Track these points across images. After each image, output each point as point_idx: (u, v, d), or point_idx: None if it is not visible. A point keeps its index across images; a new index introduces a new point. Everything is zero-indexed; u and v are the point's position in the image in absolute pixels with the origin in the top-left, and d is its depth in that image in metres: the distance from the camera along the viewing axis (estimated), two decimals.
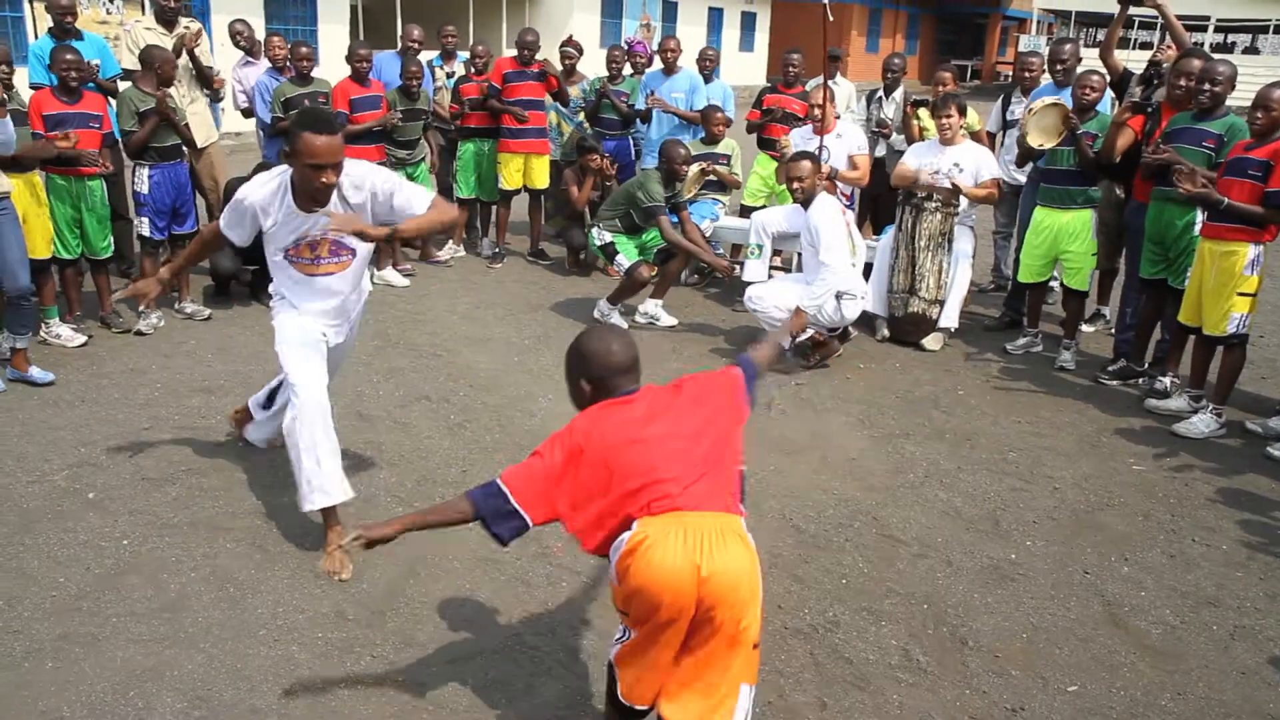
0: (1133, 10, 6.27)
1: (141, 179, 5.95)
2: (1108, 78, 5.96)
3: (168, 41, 6.57)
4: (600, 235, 6.41)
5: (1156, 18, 6.40)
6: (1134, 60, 6.34)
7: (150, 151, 5.89)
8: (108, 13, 14.05)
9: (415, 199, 3.50)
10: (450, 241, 8.14)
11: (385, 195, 3.47)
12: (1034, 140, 5.77)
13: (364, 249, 3.67)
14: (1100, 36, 34.27)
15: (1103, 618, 3.43)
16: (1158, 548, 3.92)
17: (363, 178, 3.44)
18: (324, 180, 3.28)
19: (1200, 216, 5.14)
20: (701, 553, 2.23)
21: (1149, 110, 5.66)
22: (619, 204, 6.41)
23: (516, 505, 2.48)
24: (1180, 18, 6.09)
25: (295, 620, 3.24)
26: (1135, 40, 29.11)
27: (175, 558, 3.58)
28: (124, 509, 3.90)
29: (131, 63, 6.52)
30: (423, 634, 3.19)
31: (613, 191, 7.14)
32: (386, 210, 3.48)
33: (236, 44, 7.61)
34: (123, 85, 6.27)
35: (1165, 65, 6.12)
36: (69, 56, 5.52)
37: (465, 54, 8.18)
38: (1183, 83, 5.35)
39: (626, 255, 6.34)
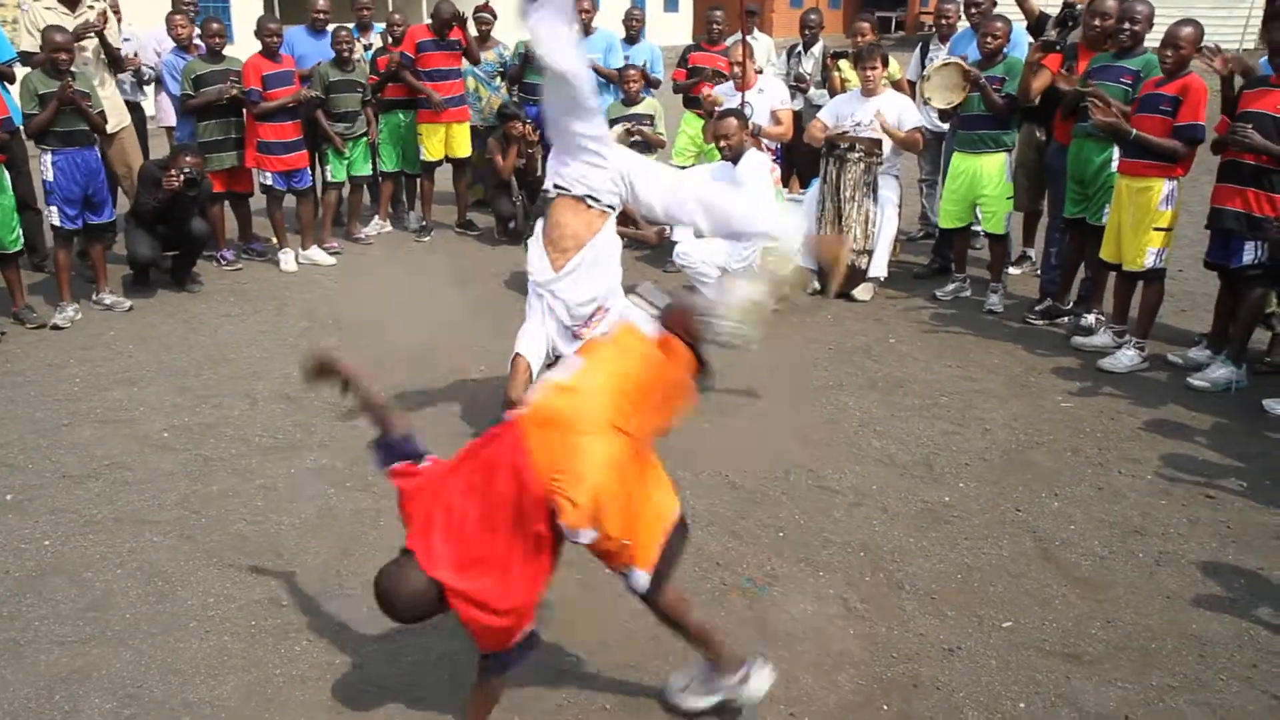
0: None
1: (46, 165, 5.73)
2: (1012, 24, 6.00)
3: (69, 22, 6.30)
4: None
5: None
6: (1051, 4, 6.36)
7: (51, 136, 5.66)
8: None
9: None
10: (376, 218, 7.98)
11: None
12: (939, 102, 5.85)
13: None
14: None
15: (1034, 553, 3.50)
16: (1086, 481, 4.00)
17: None
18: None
19: (1117, 153, 5.22)
20: None
21: (1057, 49, 5.72)
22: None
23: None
24: None
25: (227, 610, 3.18)
26: None
27: (100, 555, 3.48)
28: (44, 508, 3.78)
29: (31, 44, 6.24)
30: (359, 615, 3.14)
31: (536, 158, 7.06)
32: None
33: (170, 32, 7.31)
34: (21, 70, 6.00)
35: (1079, 7, 6.18)
36: None
37: (381, 25, 7.98)
38: (1097, 23, 5.41)
39: None
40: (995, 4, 6.47)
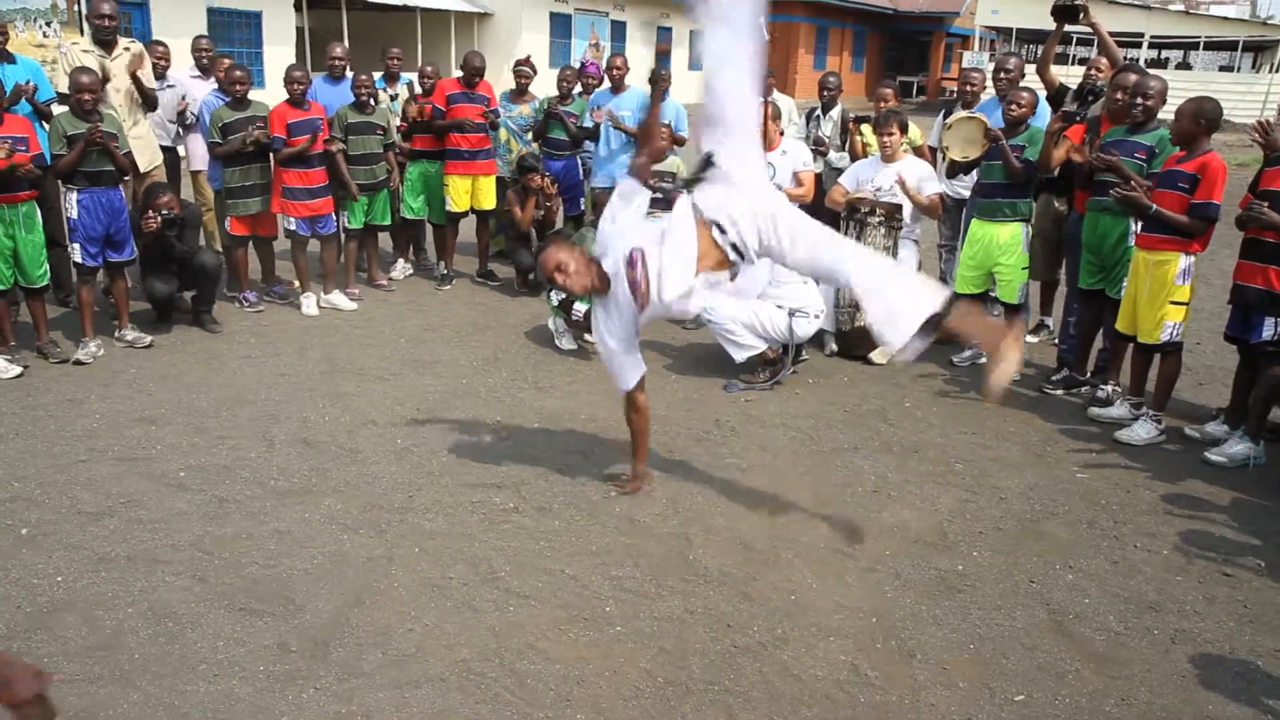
0: (1070, 27, 6.41)
1: (71, 204, 5.84)
2: (1038, 94, 6.09)
3: (106, 63, 6.46)
4: (555, 295, 6.34)
5: (1091, 36, 6.59)
6: (1072, 76, 6.50)
7: (79, 176, 5.77)
8: (44, 35, 13.84)
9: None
10: (401, 261, 8.09)
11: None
12: (956, 153, 5.92)
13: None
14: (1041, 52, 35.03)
15: (1048, 626, 3.46)
16: (1101, 555, 3.97)
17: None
18: None
19: (1135, 227, 5.26)
20: None
21: (1077, 120, 5.80)
22: None
23: None
24: (1115, 34, 6.28)
25: (236, 654, 3.17)
26: (1074, 56, 29.77)
27: (112, 593, 3.49)
28: (59, 544, 3.80)
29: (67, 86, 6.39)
30: (367, 663, 3.14)
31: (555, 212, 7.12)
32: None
33: (199, 61, 7.48)
34: (60, 109, 6.14)
35: (1100, 81, 6.27)
36: None
37: (408, 76, 8.14)
38: (1120, 96, 5.48)
39: (582, 303, 6.28)
40: (1024, 75, 6.56)
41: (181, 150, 7.67)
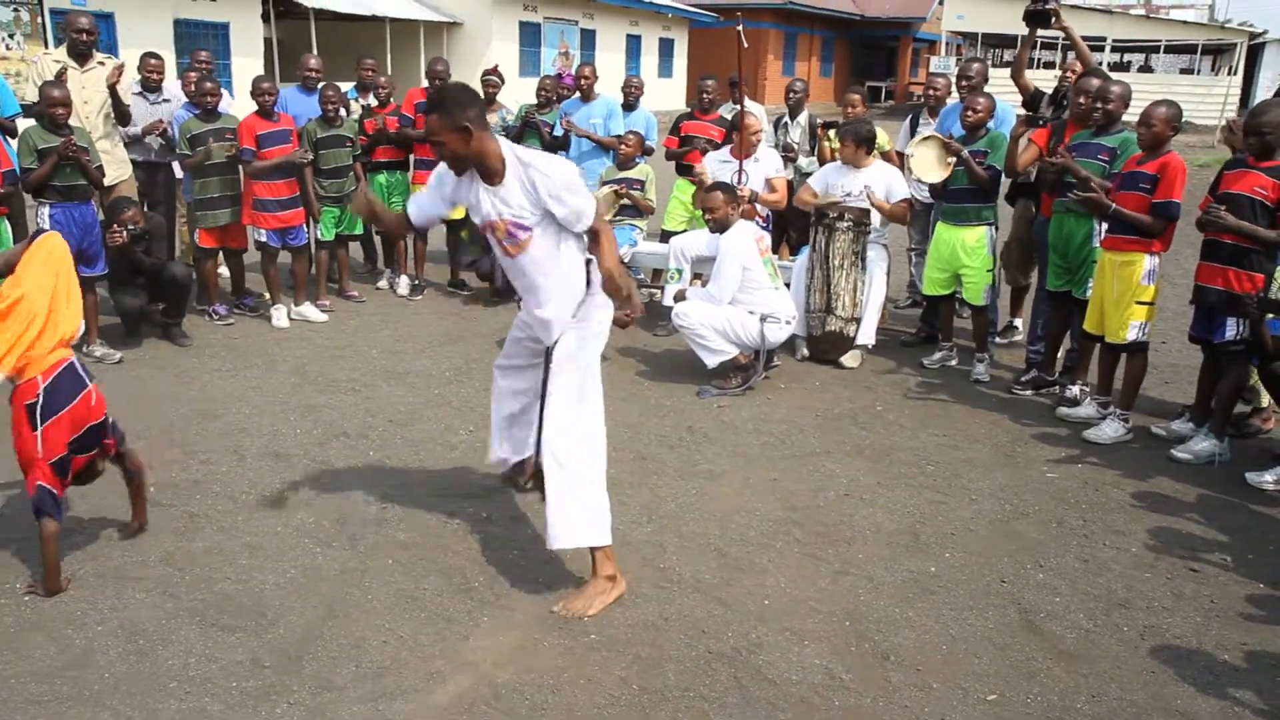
0: (1040, 31, 6.48)
1: (43, 218, 5.78)
2: (995, 100, 6.16)
3: (79, 76, 6.40)
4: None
5: (1058, 38, 6.67)
6: (1040, 79, 6.58)
7: (51, 190, 5.72)
8: (6, 48, 13.68)
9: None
10: (404, 275, 7.99)
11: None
12: (928, 178, 6.02)
13: (547, 230, 3.45)
14: (1007, 57, 35.41)
15: (1019, 625, 3.50)
16: (1071, 553, 4.02)
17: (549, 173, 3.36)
18: (441, 153, 3.36)
19: (1099, 229, 5.34)
20: None
21: (1041, 123, 5.88)
22: None
23: None
24: (1081, 39, 6.34)
25: (208, 670, 3.14)
26: (1039, 60, 30.12)
27: (80, 611, 3.45)
28: (26, 562, 3.75)
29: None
30: (341, 676, 3.12)
31: None
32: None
33: (148, 80, 7.40)
34: (25, 123, 6.07)
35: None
36: None
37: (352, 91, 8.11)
38: (1083, 100, 5.56)
39: None
40: (987, 80, 6.63)
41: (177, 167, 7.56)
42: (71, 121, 5.91)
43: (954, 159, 5.84)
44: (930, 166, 5.99)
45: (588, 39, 25.88)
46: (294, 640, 3.30)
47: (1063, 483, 4.69)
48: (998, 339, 6.65)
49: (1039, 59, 29.60)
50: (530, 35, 23.63)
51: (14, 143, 6.00)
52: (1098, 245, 5.34)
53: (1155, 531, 4.21)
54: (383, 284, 8.05)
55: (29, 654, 3.20)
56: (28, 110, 6.34)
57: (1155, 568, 3.91)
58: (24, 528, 4.00)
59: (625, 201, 7.28)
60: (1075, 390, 5.60)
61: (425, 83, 8.04)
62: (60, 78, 6.28)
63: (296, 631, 3.35)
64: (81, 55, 6.55)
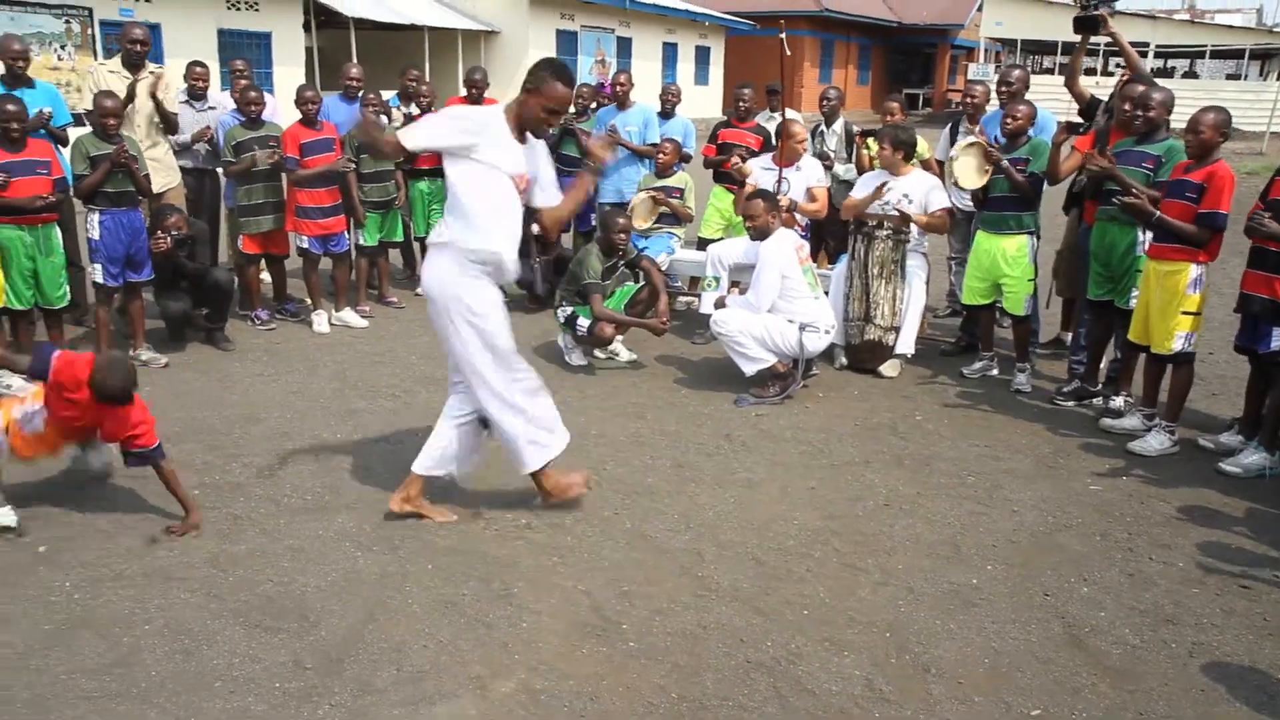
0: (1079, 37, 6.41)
1: (93, 224, 5.91)
2: (1036, 108, 6.10)
3: (132, 84, 6.53)
4: (561, 312, 6.39)
5: (1101, 44, 6.58)
6: (1096, 86, 6.49)
7: (101, 196, 5.84)
8: (59, 59, 13.96)
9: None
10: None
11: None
12: (968, 184, 5.94)
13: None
14: (1046, 63, 35.02)
15: (1063, 639, 3.45)
16: (1116, 567, 3.96)
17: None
18: (551, 122, 3.97)
19: (1143, 237, 5.27)
20: None
21: (1082, 130, 5.81)
22: (569, 282, 6.43)
23: None
24: (1130, 44, 6.25)
25: (251, 671, 3.18)
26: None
27: (128, 610, 3.50)
28: (75, 561, 3.82)
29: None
30: (381, 680, 3.14)
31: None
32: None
33: (194, 88, 7.50)
34: (77, 131, 6.20)
35: None
36: (10, 107, 5.49)
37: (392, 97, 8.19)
38: (1127, 106, 5.49)
39: (585, 316, 6.29)
40: (1028, 86, 6.54)
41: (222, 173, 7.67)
42: (123, 131, 6.03)
43: (992, 165, 5.78)
44: (970, 173, 5.94)
45: (624, 47, 25.95)
46: (335, 642, 3.33)
47: (1107, 495, 4.62)
48: (1040, 350, 6.57)
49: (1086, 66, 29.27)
50: (567, 43, 23.74)
51: (66, 151, 6.14)
52: (1141, 254, 5.27)
53: (1203, 546, 4.13)
54: (421, 290, 8.09)
55: (79, 650, 3.26)
56: (79, 119, 6.47)
57: (1204, 584, 3.84)
58: (71, 526, 4.08)
59: (663, 209, 7.29)
60: (1119, 401, 5.52)
61: (464, 91, 8.10)
62: (131, 92, 6.45)
63: (338, 634, 3.38)
64: (135, 65, 6.69)
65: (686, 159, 7.77)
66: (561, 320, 6.39)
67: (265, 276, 7.48)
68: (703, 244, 7.42)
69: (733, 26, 29.67)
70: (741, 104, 7.82)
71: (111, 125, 5.85)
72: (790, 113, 8.46)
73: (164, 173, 6.80)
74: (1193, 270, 4.90)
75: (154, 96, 6.61)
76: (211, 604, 3.55)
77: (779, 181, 6.50)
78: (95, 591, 3.61)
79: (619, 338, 6.49)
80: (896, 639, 3.43)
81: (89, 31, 14.43)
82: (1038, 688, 3.18)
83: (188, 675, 3.15)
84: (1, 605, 3.52)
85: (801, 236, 6.50)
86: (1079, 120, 6.16)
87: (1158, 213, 4.89)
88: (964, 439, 5.28)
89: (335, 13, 18.08)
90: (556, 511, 4.27)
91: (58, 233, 5.80)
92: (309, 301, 7.30)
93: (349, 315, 7.26)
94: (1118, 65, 26.75)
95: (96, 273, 5.97)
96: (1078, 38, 6.34)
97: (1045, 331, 6.77)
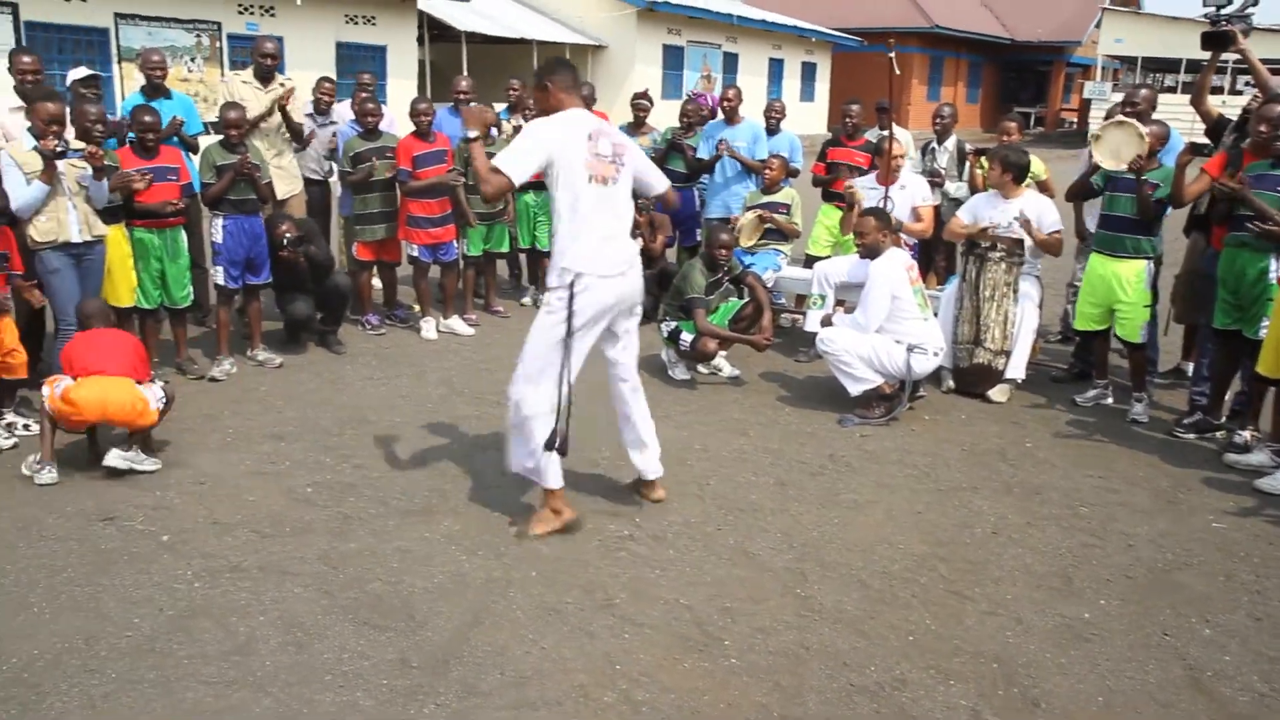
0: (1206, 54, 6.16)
1: (216, 229, 6.17)
2: (1169, 129, 5.87)
3: (262, 96, 6.81)
4: (665, 326, 6.42)
5: (1226, 62, 6.33)
6: (1225, 105, 6.23)
7: (225, 203, 6.10)
8: (189, 71, 14.65)
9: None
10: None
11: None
12: (1101, 156, 5.68)
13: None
14: (1168, 81, 33.73)
15: (1184, 682, 3.31)
16: (1242, 610, 3.78)
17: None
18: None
19: (1275, 265, 5.03)
20: None
21: (1207, 152, 5.57)
22: (673, 296, 6.45)
23: None
24: (1261, 62, 5.99)
25: (360, 666, 3.26)
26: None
27: (244, 601, 3.63)
28: (196, 552, 3.98)
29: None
30: (486, 683, 3.19)
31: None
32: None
33: (319, 102, 7.73)
34: (208, 140, 6.49)
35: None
36: (147, 118, 5.79)
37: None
38: (1264, 129, 5.25)
39: (688, 331, 6.30)
40: (1155, 106, 6.31)
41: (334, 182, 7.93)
42: (249, 140, 6.29)
43: (1135, 168, 5.51)
44: (1113, 155, 5.65)
45: (730, 62, 26.00)
46: (441, 644, 3.40)
47: (1232, 534, 4.42)
48: (1158, 379, 6.32)
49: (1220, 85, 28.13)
50: (673, 58, 23.89)
51: (195, 159, 6.43)
52: (1273, 282, 5.03)
53: None
54: (526, 300, 8.23)
55: (199, 637, 3.39)
56: (215, 126, 6.77)
57: None
58: (194, 519, 4.26)
59: (769, 226, 7.26)
60: (1245, 436, 5.27)
61: None
62: (283, 103, 6.78)
63: (444, 635, 3.44)
64: (265, 78, 6.98)
65: (794, 174, 7.73)
66: (665, 335, 6.41)
67: (376, 283, 7.70)
68: (810, 261, 7.37)
69: (839, 43, 29.47)
70: (849, 120, 7.75)
71: (235, 135, 6.11)
72: (897, 131, 8.35)
73: (288, 180, 7.07)
74: None
75: (282, 109, 6.88)
76: (323, 600, 3.66)
77: (884, 200, 6.42)
78: (214, 581, 3.76)
79: (722, 353, 6.48)
80: (1004, 670, 3.34)
81: (217, 45, 15.12)
82: None
83: (300, 667, 3.25)
84: (131, 589, 3.69)
85: (911, 255, 6.40)
86: (1204, 141, 5.91)
87: None
88: (1076, 469, 5.11)
89: (448, 27, 18.57)
90: (659, 524, 4.29)
91: (184, 236, 6.08)
92: (418, 308, 7.48)
93: (456, 323, 7.41)
94: (1246, 84, 25.60)
95: (218, 275, 6.24)
96: (1204, 55, 6.10)
97: (1164, 360, 6.52)
